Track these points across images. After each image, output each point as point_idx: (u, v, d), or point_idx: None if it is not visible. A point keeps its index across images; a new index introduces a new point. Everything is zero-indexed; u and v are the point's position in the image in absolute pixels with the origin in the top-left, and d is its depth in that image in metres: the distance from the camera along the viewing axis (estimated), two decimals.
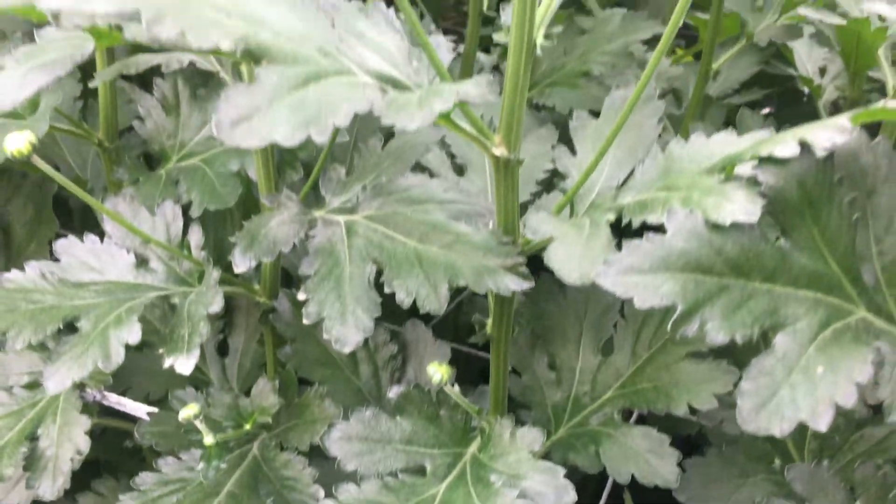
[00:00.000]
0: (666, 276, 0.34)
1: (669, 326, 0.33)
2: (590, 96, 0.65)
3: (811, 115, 0.82)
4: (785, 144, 0.34)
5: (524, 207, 0.55)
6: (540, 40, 0.41)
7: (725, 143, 0.41)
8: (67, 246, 0.56)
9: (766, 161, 0.35)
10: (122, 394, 0.65)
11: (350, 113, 0.34)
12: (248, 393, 0.64)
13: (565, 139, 0.61)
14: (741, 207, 0.34)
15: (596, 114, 0.63)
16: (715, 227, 0.35)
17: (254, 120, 0.32)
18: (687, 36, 0.94)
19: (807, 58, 0.83)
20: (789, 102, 0.95)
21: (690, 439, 0.66)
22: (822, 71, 0.85)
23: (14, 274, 0.53)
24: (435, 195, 0.49)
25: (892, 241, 0.39)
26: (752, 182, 0.35)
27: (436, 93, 0.34)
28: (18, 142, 0.46)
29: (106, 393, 0.63)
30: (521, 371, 0.57)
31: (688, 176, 0.38)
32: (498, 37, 0.55)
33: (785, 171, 0.35)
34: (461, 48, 0.80)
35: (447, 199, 0.49)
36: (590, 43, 0.66)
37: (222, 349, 0.70)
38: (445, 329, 0.73)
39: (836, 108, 0.81)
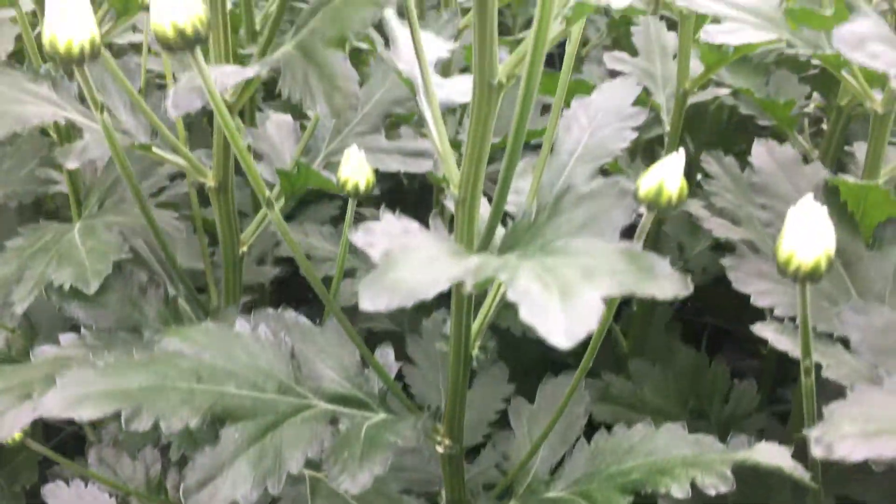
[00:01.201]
0: None
1: None
2: None
3: None
4: (679, 486, 0.39)
5: (477, 450, 0.60)
6: (475, 353, 0.46)
7: (644, 437, 0.47)
8: (55, 489, 0.61)
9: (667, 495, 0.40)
10: None
11: (302, 459, 0.39)
12: None
13: (517, 365, 0.67)
14: None
15: None
16: None
17: (217, 480, 0.38)
18: None
19: None
20: None
21: None
22: None
23: None
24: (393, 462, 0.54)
25: None
26: None
27: (378, 449, 0.39)
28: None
29: None
30: None
31: (605, 487, 0.43)
32: (439, 346, 0.62)
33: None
34: None
35: (403, 466, 0.54)
36: None
37: None
38: None
39: None
